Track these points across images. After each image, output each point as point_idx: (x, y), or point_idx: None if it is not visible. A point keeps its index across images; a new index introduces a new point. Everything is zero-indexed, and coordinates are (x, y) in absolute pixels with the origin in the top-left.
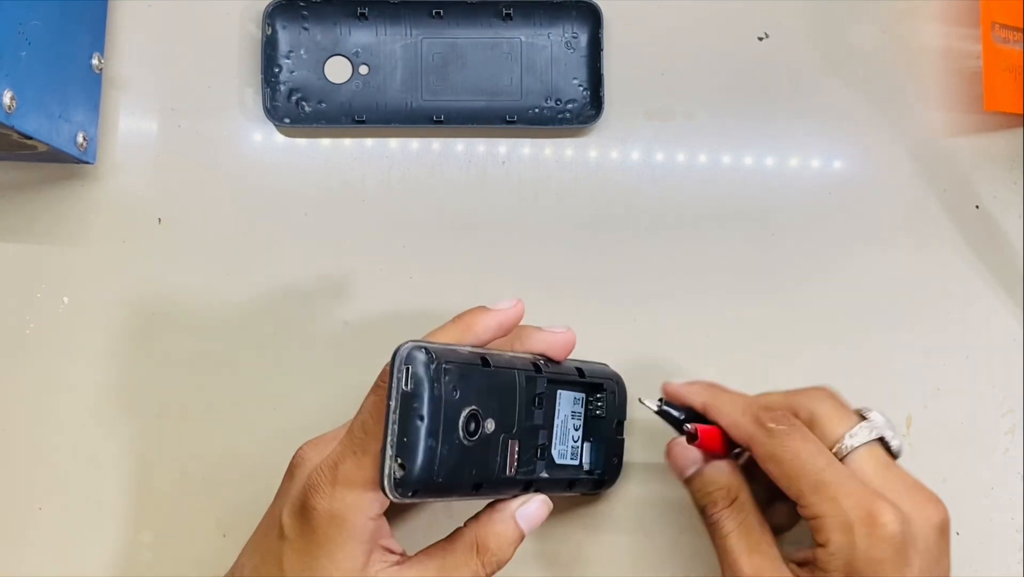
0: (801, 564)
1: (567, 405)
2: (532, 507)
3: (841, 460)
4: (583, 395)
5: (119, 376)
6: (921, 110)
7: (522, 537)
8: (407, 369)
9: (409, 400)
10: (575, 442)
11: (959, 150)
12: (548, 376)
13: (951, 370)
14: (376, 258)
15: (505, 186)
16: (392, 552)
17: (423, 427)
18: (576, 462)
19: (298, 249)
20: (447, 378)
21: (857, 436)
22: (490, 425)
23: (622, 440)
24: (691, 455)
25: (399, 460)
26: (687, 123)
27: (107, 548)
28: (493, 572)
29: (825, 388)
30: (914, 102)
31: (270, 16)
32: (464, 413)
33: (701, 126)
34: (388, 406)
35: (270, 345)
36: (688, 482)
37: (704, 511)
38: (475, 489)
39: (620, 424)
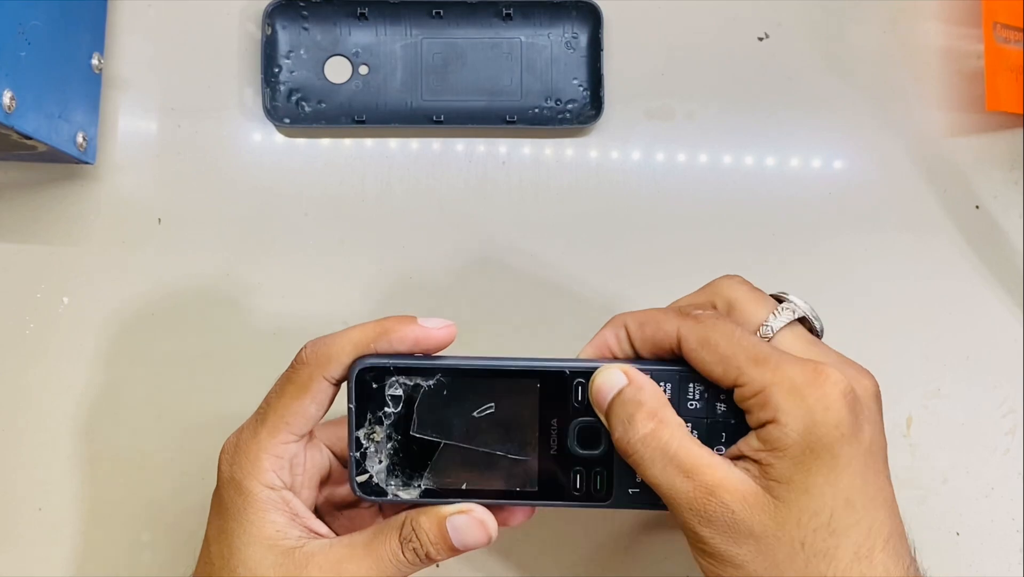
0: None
1: None
2: (461, 519)
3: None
4: None
5: (119, 376)
6: (921, 110)
7: (449, 544)
8: None
9: None
10: None
11: (959, 150)
12: None
13: (951, 370)
14: (376, 258)
15: (505, 186)
16: (318, 534)
17: None
18: None
19: (298, 249)
20: None
21: (780, 317)
22: None
23: None
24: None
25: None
26: (687, 123)
27: (107, 548)
28: (413, 560)
29: (735, 276)
30: (914, 102)
31: (270, 16)
32: None
33: (701, 126)
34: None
35: (270, 345)
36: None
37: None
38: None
39: None
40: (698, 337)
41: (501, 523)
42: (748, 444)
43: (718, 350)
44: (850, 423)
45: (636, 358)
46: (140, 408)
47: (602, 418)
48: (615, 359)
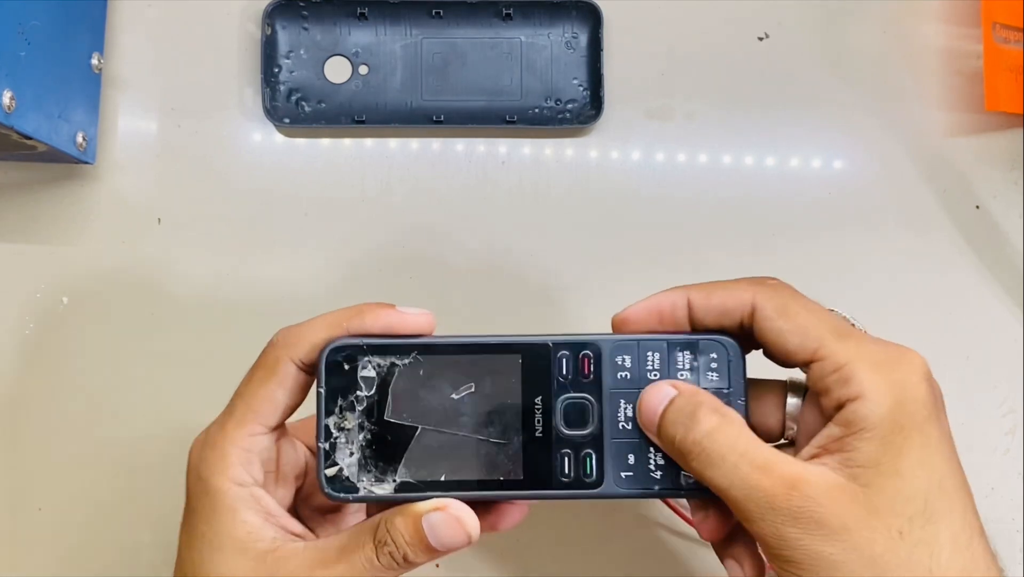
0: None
1: None
2: (437, 516)
3: None
4: None
5: (119, 376)
6: (921, 110)
7: (426, 545)
8: None
9: None
10: None
11: (959, 150)
12: None
13: (951, 370)
14: (376, 258)
15: (505, 186)
16: (294, 534)
17: None
18: None
19: (298, 249)
20: None
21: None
22: None
23: None
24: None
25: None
26: (687, 123)
27: (107, 548)
28: (389, 565)
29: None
30: (914, 102)
31: (270, 16)
32: None
33: (701, 126)
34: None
35: None
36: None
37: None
38: None
39: None
40: (776, 305)
41: (491, 526)
42: (824, 436)
43: (798, 320)
44: (933, 405)
45: (672, 332)
46: (140, 408)
47: (652, 437)
48: (646, 332)
